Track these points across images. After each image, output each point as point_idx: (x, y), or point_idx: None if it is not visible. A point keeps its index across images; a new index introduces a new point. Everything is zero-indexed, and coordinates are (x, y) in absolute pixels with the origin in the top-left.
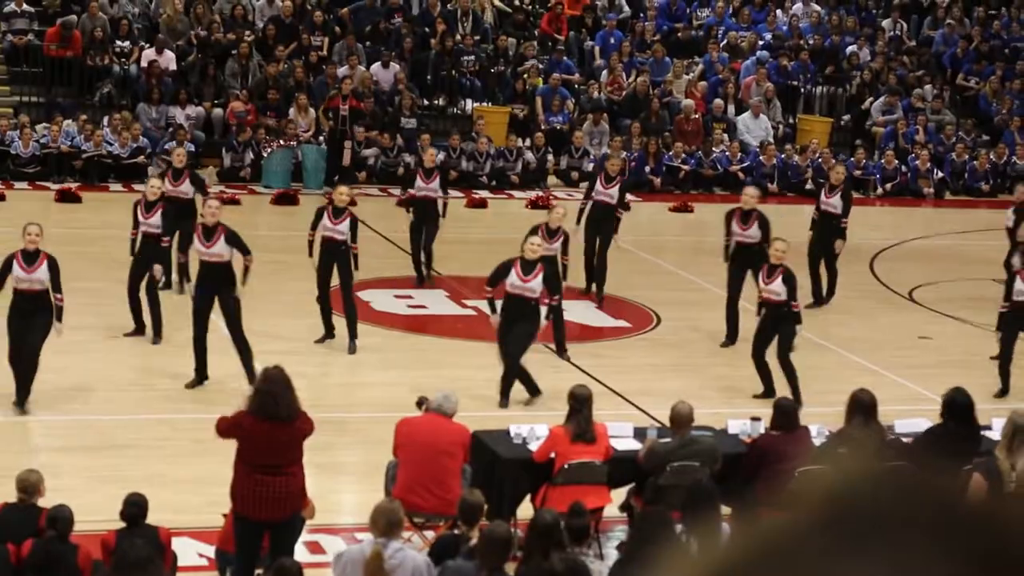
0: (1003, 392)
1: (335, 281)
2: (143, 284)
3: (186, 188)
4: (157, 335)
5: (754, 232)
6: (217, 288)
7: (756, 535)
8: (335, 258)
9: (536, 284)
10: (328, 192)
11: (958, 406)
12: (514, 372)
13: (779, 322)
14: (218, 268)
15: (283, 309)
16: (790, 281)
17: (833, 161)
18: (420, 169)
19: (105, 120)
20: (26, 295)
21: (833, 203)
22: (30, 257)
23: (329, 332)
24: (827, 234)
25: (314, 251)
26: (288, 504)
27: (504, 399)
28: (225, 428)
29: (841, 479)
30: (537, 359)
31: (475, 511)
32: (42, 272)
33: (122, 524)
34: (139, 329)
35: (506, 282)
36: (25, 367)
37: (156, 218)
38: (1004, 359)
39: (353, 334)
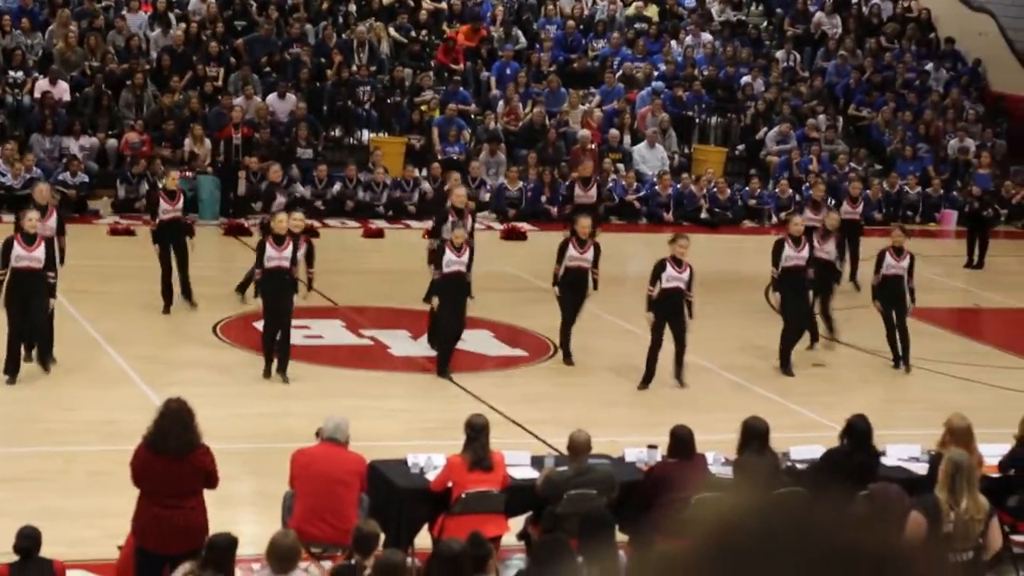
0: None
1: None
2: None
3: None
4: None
5: (830, 248)
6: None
7: (651, 564)
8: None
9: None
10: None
11: (858, 431)
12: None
13: (828, 279)
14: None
15: (180, 339)
16: (841, 247)
17: (827, 211)
18: (452, 209)
19: None
20: (24, 273)
21: (828, 250)
22: (29, 238)
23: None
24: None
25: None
26: (188, 538)
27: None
28: (132, 459)
29: (732, 509)
30: (435, 388)
31: (370, 540)
32: (40, 252)
33: (16, 557)
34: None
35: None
36: (37, 338)
37: (40, 251)
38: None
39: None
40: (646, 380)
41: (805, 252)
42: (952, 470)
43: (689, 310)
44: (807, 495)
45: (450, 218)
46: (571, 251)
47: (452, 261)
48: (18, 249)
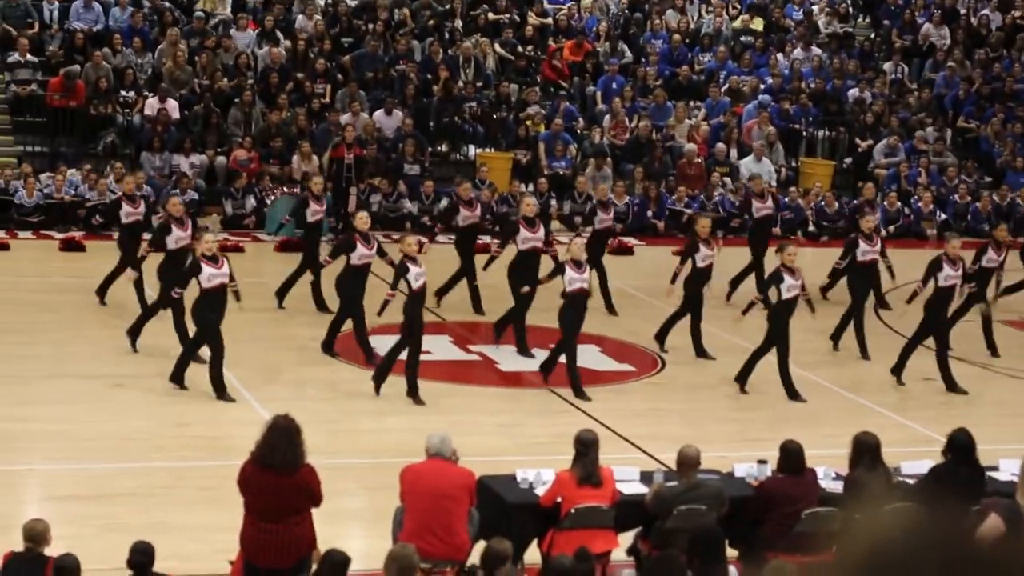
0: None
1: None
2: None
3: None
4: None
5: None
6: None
7: None
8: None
9: None
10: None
11: (959, 445)
12: None
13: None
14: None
15: (288, 356)
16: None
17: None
18: (522, 219)
19: (108, 169)
20: (216, 291)
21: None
22: (214, 258)
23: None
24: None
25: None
26: (292, 552)
27: None
28: (239, 474)
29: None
30: (543, 403)
31: (499, 559)
32: (226, 268)
33: (129, 572)
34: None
35: None
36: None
37: (226, 268)
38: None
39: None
40: (791, 392)
41: (960, 271)
42: None
43: (810, 306)
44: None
45: (522, 229)
46: (703, 251)
47: (575, 279)
48: (207, 269)
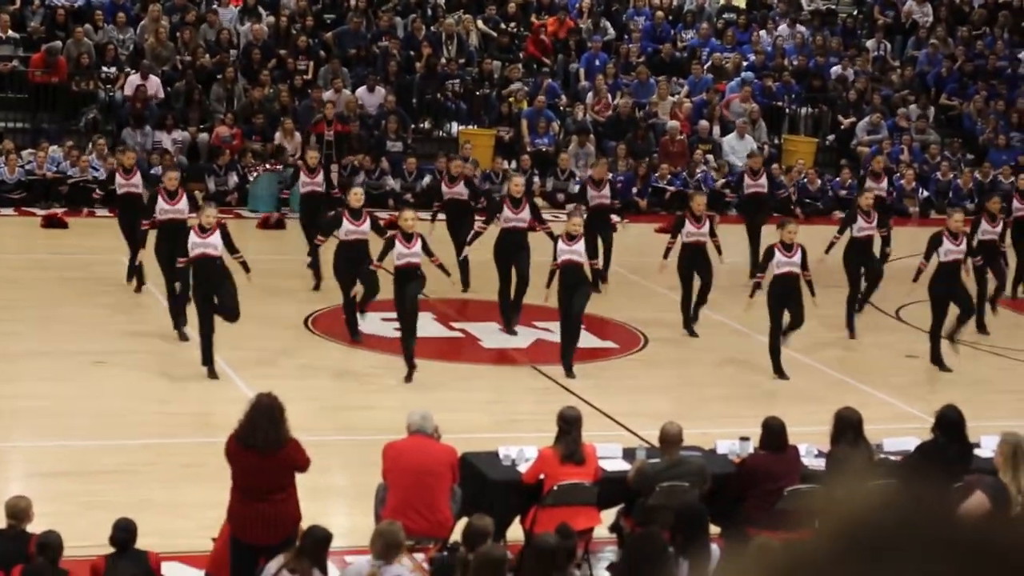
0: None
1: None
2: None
3: (182, 206)
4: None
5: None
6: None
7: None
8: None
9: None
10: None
11: (949, 422)
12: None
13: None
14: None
15: (272, 333)
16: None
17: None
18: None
19: (90, 145)
20: (201, 261)
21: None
22: (204, 229)
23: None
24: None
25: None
26: (279, 529)
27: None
28: (224, 447)
29: (860, 505)
30: (526, 380)
31: (481, 536)
32: (216, 239)
33: (112, 549)
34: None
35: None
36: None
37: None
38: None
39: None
40: (777, 369)
41: (963, 246)
42: (1010, 451)
43: (811, 288)
44: (931, 488)
45: (505, 208)
46: (688, 227)
47: (564, 250)
48: (194, 237)
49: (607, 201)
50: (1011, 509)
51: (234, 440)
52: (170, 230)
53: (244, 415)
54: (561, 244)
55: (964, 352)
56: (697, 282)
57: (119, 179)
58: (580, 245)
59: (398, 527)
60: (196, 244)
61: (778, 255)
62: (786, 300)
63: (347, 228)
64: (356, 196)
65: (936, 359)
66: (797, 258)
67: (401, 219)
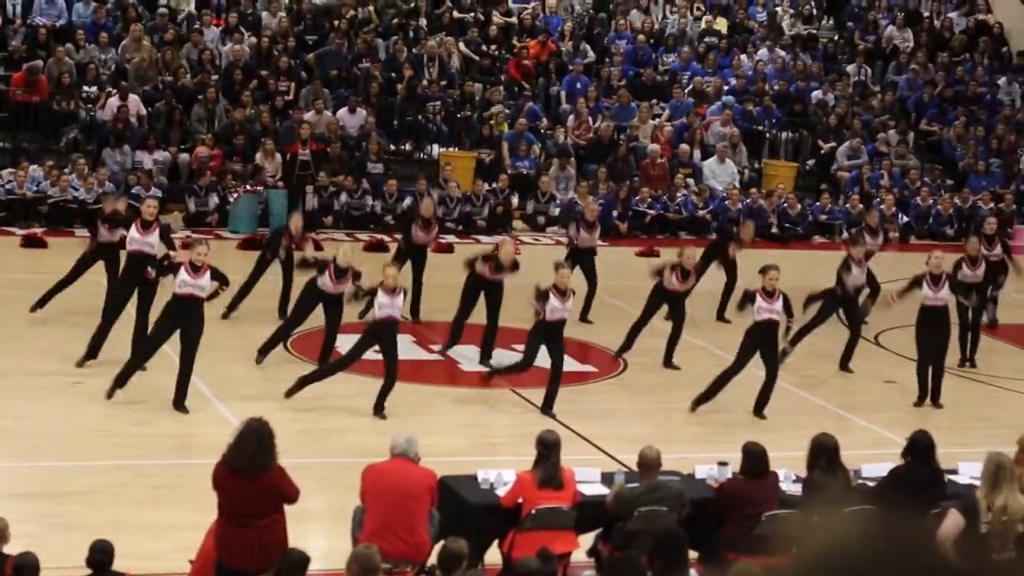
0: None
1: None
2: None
3: (153, 240)
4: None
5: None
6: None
7: None
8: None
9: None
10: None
11: (920, 446)
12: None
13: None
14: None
15: (250, 356)
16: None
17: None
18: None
19: (71, 165)
20: (184, 300)
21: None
22: (196, 268)
23: None
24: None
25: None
26: (264, 556)
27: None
28: (212, 474)
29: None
30: (505, 403)
31: (456, 559)
32: (205, 280)
33: (88, 571)
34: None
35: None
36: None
37: (204, 280)
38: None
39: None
40: (704, 400)
41: (944, 292)
42: (993, 469)
43: (787, 335)
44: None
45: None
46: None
47: (557, 309)
48: (184, 276)
49: (597, 243)
50: (979, 525)
51: (221, 466)
52: (134, 262)
53: (232, 439)
54: (553, 300)
55: (945, 379)
56: (668, 323)
57: (134, 232)
58: (571, 303)
59: (374, 551)
60: (185, 283)
61: (760, 301)
62: (763, 347)
63: (324, 281)
64: (345, 254)
65: (922, 393)
66: (779, 305)
67: (384, 275)
